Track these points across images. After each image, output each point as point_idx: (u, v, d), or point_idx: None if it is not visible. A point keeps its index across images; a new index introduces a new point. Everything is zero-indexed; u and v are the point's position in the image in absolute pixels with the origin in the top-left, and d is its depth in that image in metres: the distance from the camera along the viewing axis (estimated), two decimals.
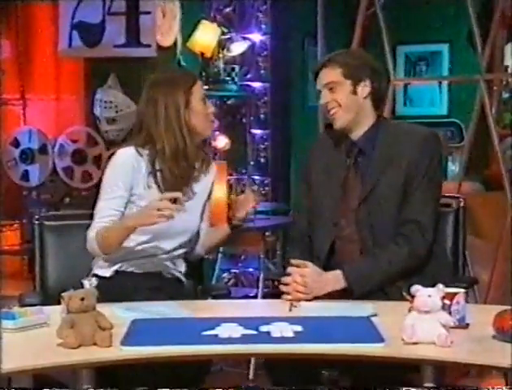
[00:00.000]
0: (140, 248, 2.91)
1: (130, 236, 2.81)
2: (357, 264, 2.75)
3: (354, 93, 2.82)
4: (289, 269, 2.70)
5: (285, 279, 2.70)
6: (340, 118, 2.82)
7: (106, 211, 2.86)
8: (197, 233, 3.03)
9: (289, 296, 2.66)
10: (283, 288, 2.69)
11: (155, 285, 2.89)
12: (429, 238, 2.78)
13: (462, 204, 3.12)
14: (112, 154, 2.97)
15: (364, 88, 2.82)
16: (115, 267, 2.92)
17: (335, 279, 2.70)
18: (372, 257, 2.74)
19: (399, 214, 2.77)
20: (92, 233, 2.84)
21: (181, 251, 2.99)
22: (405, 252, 2.72)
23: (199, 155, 2.99)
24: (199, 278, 3.18)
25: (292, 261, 2.73)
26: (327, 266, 2.78)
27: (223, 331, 2.29)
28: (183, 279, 3.01)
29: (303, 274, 2.68)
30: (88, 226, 3.03)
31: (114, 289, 2.80)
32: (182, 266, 3.01)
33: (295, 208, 3.09)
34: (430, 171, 2.79)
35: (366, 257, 2.76)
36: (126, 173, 2.87)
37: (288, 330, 2.29)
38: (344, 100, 2.81)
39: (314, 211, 2.89)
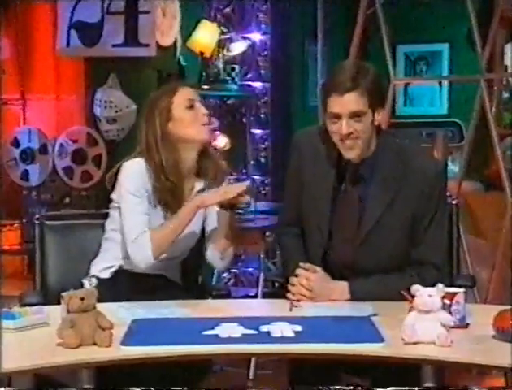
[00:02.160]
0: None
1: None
2: (365, 282, 2.68)
3: (373, 122, 2.63)
4: (298, 270, 2.68)
5: (292, 280, 2.68)
6: (357, 149, 2.63)
7: (140, 218, 2.82)
8: (198, 241, 3.00)
9: (293, 297, 2.66)
10: (289, 286, 2.68)
11: (155, 286, 2.88)
12: (443, 276, 2.71)
13: (455, 202, 3.11)
14: (119, 168, 2.91)
15: (380, 116, 2.66)
16: (114, 268, 2.92)
17: (341, 290, 2.67)
18: (383, 282, 2.67)
19: (403, 248, 2.69)
20: (144, 243, 2.78)
21: (181, 258, 2.98)
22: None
23: (203, 168, 2.94)
24: (197, 280, 3.16)
25: (302, 264, 2.70)
26: None
27: (223, 330, 2.29)
28: (179, 282, 3.00)
29: (310, 278, 2.66)
30: (89, 226, 3.04)
31: (113, 290, 2.79)
32: (180, 270, 3.00)
33: (284, 197, 2.97)
34: (440, 206, 2.72)
35: (376, 278, 2.68)
36: (140, 180, 2.85)
37: (288, 330, 2.29)
38: (365, 131, 2.61)
39: (304, 225, 2.81)
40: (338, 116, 2.59)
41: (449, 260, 3.06)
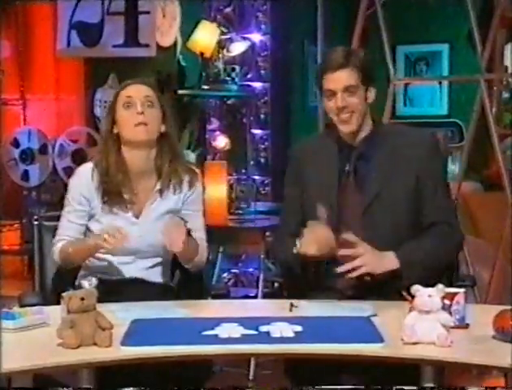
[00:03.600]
0: (103, 260, 2.90)
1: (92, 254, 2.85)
2: (407, 248, 2.71)
3: (365, 98, 2.80)
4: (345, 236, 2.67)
5: (344, 251, 2.66)
6: (354, 123, 2.78)
7: (66, 225, 2.90)
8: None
9: (349, 266, 2.63)
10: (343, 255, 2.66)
11: (140, 291, 2.85)
12: (462, 236, 2.83)
13: (455, 203, 3.13)
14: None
15: (371, 93, 2.81)
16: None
17: (390, 257, 2.68)
18: (420, 244, 2.72)
19: (408, 219, 2.76)
20: (56, 249, 2.89)
21: (150, 263, 2.93)
22: (442, 247, 2.74)
23: (159, 168, 2.91)
24: (197, 283, 3.13)
25: (345, 236, 2.68)
26: (327, 275, 2.76)
27: (223, 331, 2.29)
28: (170, 284, 2.98)
29: (362, 246, 2.67)
30: None
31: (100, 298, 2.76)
32: (164, 275, 2.96)
33: (283, 208, 3.02)
34: (442, 174, 2.86)
35: (415, 241, 2.73)
36: (81, 187, 2.89)
37: (288, 330, 2.29)
38: (359, 105, 2.78)
39: (309, 217, 2.81)
40: (333, 92, 2.77)
41: None
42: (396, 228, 2.76)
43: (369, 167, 2.80)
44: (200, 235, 2.95)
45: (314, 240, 2.63)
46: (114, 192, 2.88)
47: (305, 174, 2.89)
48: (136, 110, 2.85)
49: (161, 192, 2.91)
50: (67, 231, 2.90)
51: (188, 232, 2.77)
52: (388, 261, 2.68)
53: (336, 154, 2.84)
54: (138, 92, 2.89)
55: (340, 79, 2.76)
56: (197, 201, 2.98)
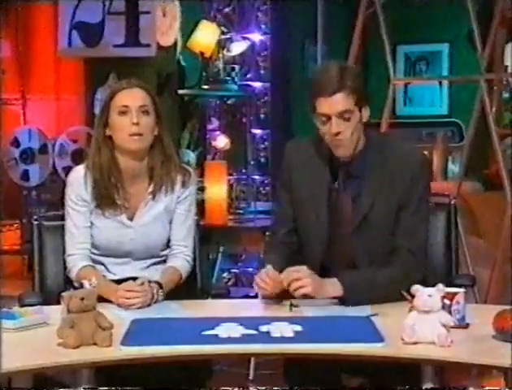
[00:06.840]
0: (98, 262, 2.91)
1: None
2: (355, 276, 2.66)
3: (360, 120, 2.68)
4: (287, 271, 2.61)
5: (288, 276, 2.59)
6: (348, 147, 2.68)
7: (76, 232, 2.88)
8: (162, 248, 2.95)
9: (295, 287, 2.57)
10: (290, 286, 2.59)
11: None
12: (423, 263, 2.73)
13: (453, 202, 3.11)
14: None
15: (366, 113, 2.70)
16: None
17: (334, 284, 2.62)
18: (371, 273, 2.67)
19: (392, 239, 2.72)
20: (74, 267, 2.85)
21: (145, 263, 2.93)
22: (401, 276, 2.62)
23: (151, 172, 2.89)
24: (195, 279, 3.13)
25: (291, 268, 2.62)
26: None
27: (223, 330, 2.29)
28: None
29: (301, 271, 2.61)
30: None
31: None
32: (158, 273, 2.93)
33: (275, 213, 2.95)
34: (424, 194, 2.75)
35: (364, 271, 2.69)
36: (79, 189, 2.88)
37: (288, 330, 2.29)
38: (355, 129, 2.66)
39: (299, 230, 2.82)
40: (327, 117, 2.64)
41: (449, 260, 3.07)
42: (386, 246, 2.72)
43: (359, 185, 2.73)
44: (184, 242, 2.93)
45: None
46: (106, 196, 2.86)
47: (296, 183, 2.82)
48: (132, 120, 2.82)
49: (153, 194, 2.89)
50: (79, 238, 2.87)
51: (160, 286, 2.75)
52: (332, 288, 2.61)
53: (327, 169, 2.76)
54: (134, 100, 2.85)
55: (335, 104, 2.62)
56: (188, 201, 2.94)
